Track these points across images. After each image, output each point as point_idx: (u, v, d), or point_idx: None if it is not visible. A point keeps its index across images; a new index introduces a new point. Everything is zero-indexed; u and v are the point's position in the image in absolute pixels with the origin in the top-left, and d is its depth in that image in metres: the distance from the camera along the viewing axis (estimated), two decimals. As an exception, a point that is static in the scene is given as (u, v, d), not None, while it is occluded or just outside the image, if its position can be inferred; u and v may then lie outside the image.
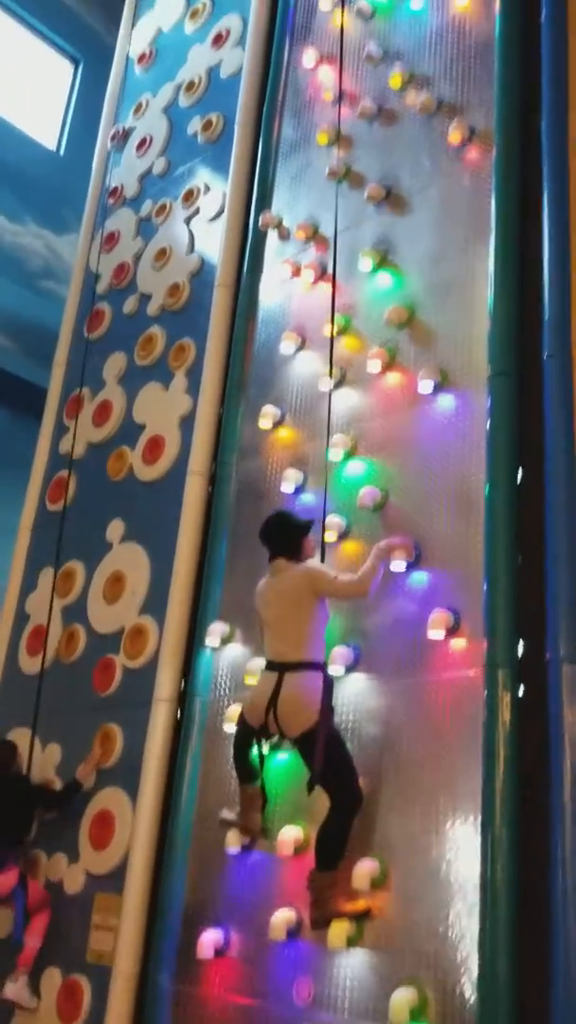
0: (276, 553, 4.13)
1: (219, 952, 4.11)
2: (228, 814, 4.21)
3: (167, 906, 4.41)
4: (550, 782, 3.28)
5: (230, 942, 4.12)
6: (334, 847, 3.69)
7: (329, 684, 3.88)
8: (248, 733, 4.09)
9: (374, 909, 3.64)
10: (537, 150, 4.27)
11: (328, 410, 4.64)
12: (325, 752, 3.71)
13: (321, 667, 3.90)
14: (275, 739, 4.12)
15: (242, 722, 4.10)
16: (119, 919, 4.56)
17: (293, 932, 3.85)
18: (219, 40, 6.94)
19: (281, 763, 4.22)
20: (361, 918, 3.64)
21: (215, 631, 4.75)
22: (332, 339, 4.78)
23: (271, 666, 3.94)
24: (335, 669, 4.07)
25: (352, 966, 3.63)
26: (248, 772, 4.15)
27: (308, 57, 5.95)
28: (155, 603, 5.25)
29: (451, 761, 3.62)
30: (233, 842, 4.20)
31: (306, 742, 3.77)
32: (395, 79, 5.16)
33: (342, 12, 5.79)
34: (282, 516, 4.30)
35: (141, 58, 7.92)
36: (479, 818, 3.41)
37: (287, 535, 4.16)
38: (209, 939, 4.12)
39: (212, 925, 4.19)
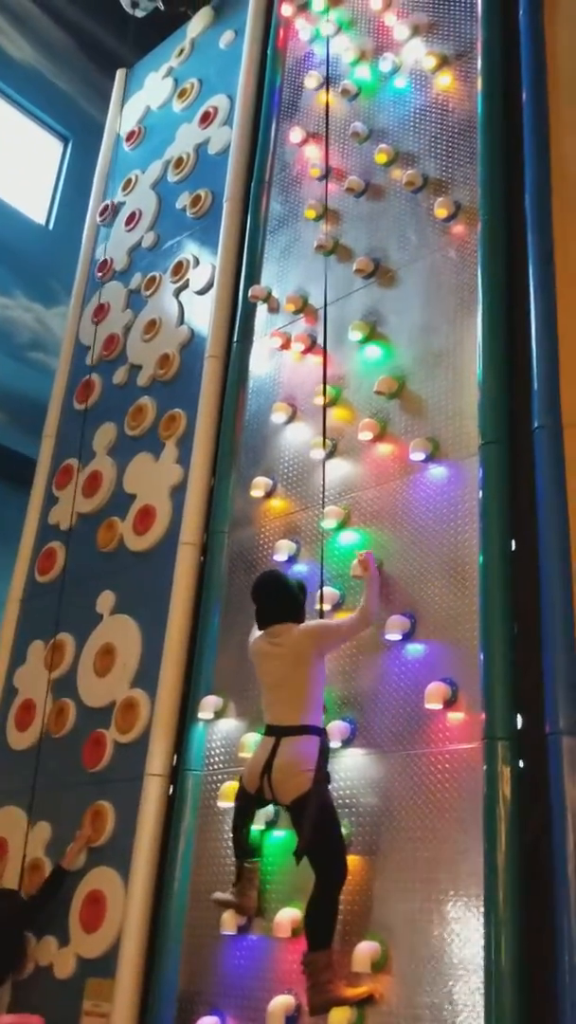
0: (276, 619, 4.07)
1: (215, 1040, 3.97)
2: (222, 895, 4.10)
3: (161, 991, 4.26)
4: (553, 857, 3.22)
5: (227, 1030, 3.98)
6: (324, 924, 3.59)
7: (325, 750, 3.82)
8: (247, 804, 4.01)
9: (376, 993, 3.53)
10: (522, 223, 4.37)
11: (323, 478, 4.67)
12: (316, 822, 3.63)
13: (319, 731, 3.85)
14: (271, 806, 4.03)
15: (241, 789, 4.02)
16: (111, 1005, 4.40)
17: (292, 1019, 3.72)
18: (207, 118, 7.13)
19: (277, 840, 4.13)
20: (363, 1003, 3.53)
21: (208, 704, 4.68)
22: (324, 410, 4.83)
23: (270, 730, 3.90)
24: (331, 743, 4.01)
25: (354, 1055, 3.50)
26: (246, 848, 4.05)
27: (295, 134, 6.11)
28: (146, 676, 5.18)
29: (451, 836, 3.55)
30: (229, 924, 4.09)
31: (299, 809, 3.70)
32: (381, 156, 5.30)
33: (327, 91, 5.97)
34: (279, 579, 4.24)
35: (130, 136, 8.12)
36: (481, 895, 3.34)
37: (290, 600, 4.13)
38: (205, 1026, 3.98)
39: (208, 1011, 4.05)
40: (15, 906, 5.03)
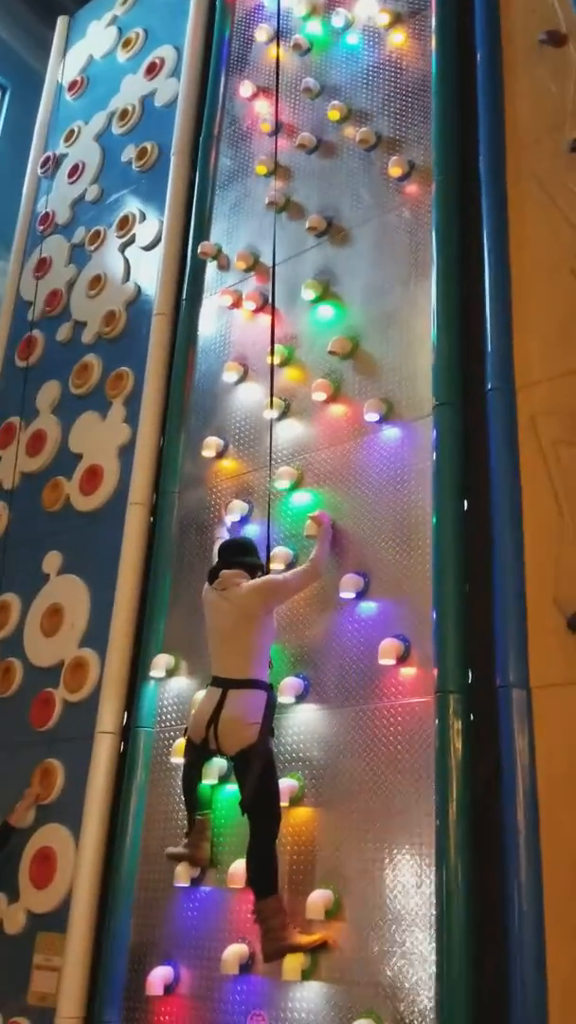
0: (230, 565, 4.13)
1: (169, 989, 4.03)
2: (175, 849, 4.15)
3: (113, 944, 4.31)
4: (503, 805, 3.33)
5: (180, 978, 4.05)
6: (266, 872, 3.69)
7: (272, 704, 3.89)
8: (195, 757, 4.05)
9: (329, 940, 3.62)
10: (476, 184, 4.39)
11: (270, 439, 4.69)
12: (260, 775, 3.70)
13: (265, 686, 3.91)
14: (224, 760, 4.09)
15: (188, 741, 4.05)
16: (63, 959, 4.43)
17: (246, 966, 3.80)
18: (153, 69, 6.96)
19: (229, 795, 4.18)
20: (316, 950, 3.62)
21: (160, 662, 4.69)
22: (272, 369, 4.82)
23: (216, 681, 3.94)
24: (285, 699, 4.06)
25: (307, 999, 3.60)
26: (197, 802, 4.10)
27: (244, 88, 6.01)
28: (96, 636, 5.17)
29: (403, 787, 3.64)
30: (182, 876, 4.14)
31: (242, 761, 3.77)
32: (333, 112, 5.25)
33: (278, 45, 5.88)
34: (246, 541, 4.38)
35: (72, 86, 7.89)
36: (433, 845, 3.43)
37: (252, 557, 4.22)
38: (158, 975, 4.04)
39: (161, 962, 4.11)
40: None
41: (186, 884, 4.14)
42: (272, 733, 3.89)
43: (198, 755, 4.04)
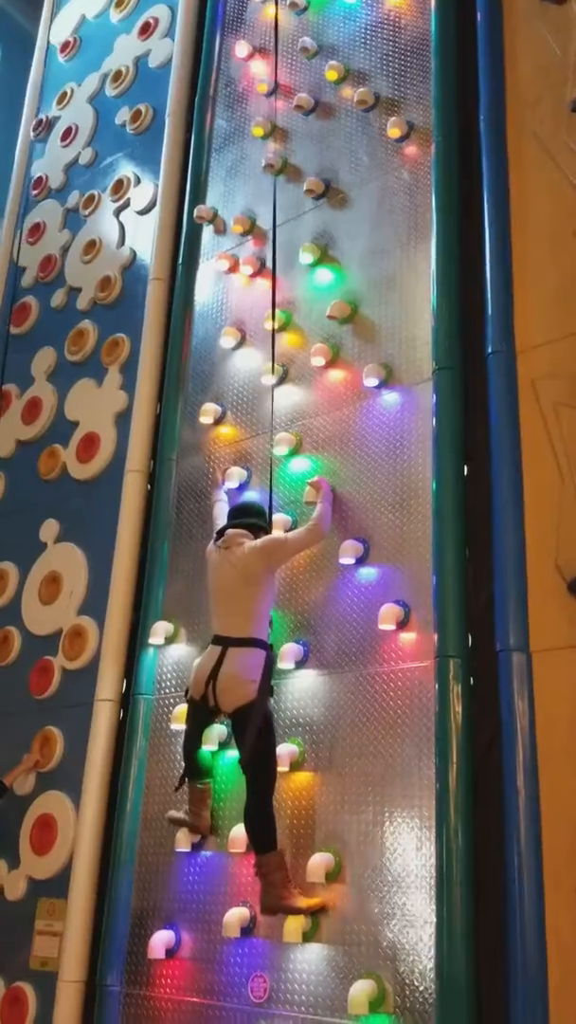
0: (237, 524, 4.16)
1: (170, 952, 4.06)
2: (177, 813, 4.17)
3: (114, 908, 4.34)
4: (503, 768, 3.33)
5: (181, 942, 4.08)
6: (265, 828, 3.73)
7: (271, 663, 3.91)
8: (197, 716, 4.06)
9: (329, 903, 3.65)
10: (476, 145, 4.32)
11: (271, 404, 4.65)
12: (260, 733, 3.74)
13: (265, 645, 3.93)
14: (223, 725, 4.14)
15: (189, 700, 4.06)
16: (64, 924, 4.47)
17: (247, 929, 3.83)
18: (147, 29, 6.84)
19: (230, 761, 4.19)
20: (316, 914, 3.65)
21: (159, 629, 4.68)
22: (273, 335, 4.77)
23: (216, 640, 3.97)
24: (285, 664, 4.06)
25: (309, 960, 3.63)
26: (198, 769, 4.11)
27: (240, 48, 5.91)
28: (94, 603, 5.16)
29: (403, 752, 3.65)
30: (183, 842, 4.16)
31: (240, 718, 3.80)
32: (331, 72, 5.16)
33: (275, 4, 5.76)
34: (261, 505, 4.39)
35: (65, 47, 7.75)
36: (433, 809, 3.44)
37: (259, 519, 4.24)
38: (160, 939, 4.07)
39: (163, 926, 4.15)
40: None
41: (187, 849, 4.16)
42: (271, 692, 3.92)
43: (198, 715, 4.05)
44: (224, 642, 3.92)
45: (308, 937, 3.61)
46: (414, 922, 3.40)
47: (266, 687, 3.84)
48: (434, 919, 3.31)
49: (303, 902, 3.64)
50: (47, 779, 4.97)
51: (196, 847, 4.16)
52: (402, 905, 3.45)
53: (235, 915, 3.83)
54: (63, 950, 4.41)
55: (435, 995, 3.23)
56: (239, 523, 4.17)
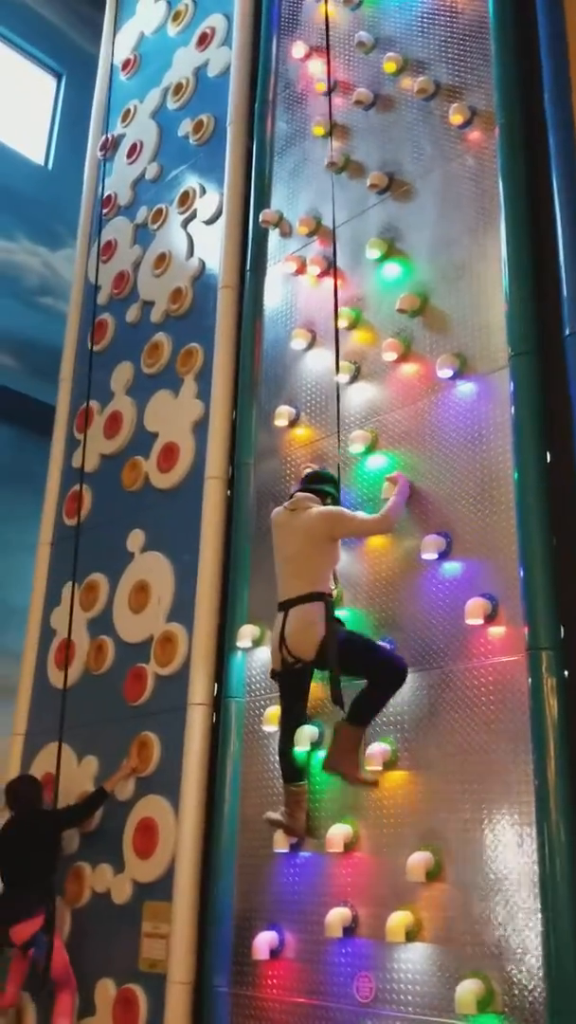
0: (307, 488, 4.27)
1: (274, 953, 4.09)
2: (274, 814, 4.19)
3: (218, 910, 4.39)
4: (603, 763, 3.25)
5: (285, 942, 4.10)
6: (367, 707, 3.86)
7: (331, 605, 3.99)
8: (288, 688, 4.12)
9: (379, 782, 3.86)
10: (541, 126, 4.22)
11: (337, 403, 4.65)
12: (345, 653, 3.85)
13: (323, 596, 4.00)
14: (315, 727, 4.19)
15: (273, 674, 4.12)
16: (170, 926, 4.54)
17: (349, 929, 3.82)
18: (204, 40, 6.90)
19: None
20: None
21: (245, 633, 4.72)
22: (337, 332, 4.78)
23: (280, 606, 4.08)
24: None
25: (413, 960, 3.60)
26: (293, 770, 4.12)
27: (297, 49, 5.91)
28: (182, 609, 5.23)
29: (499, 748, 3.58)
30: (281, 842, 4.18)
31: (322, 658, 3.90)
32: (389, 64, 5.12)
33: (327, 2, 5.76)
34: (333, 475, 4.47)
35: (125, 65, 7.89)
36: (533, 805, 3.37)
37: (329, 486, 4.33)
38: (264, 940, 4.09)
39: (265, 926, 4.17)
40: (50, 814, 5.20)
41: (285, 850, 4.18)
42: (339, 622, 4.03)
43: (290, 687, 4.12)
44: (286, 605, 4.05)
45: (411, 936, 3.58)
46: (519, 920, 3.34)
47: (331, 624, 3.91)
48: (540, 917, 3.24)
49: (356, 775, 3.85)
50: (146, 784, 5.05)
51: (294, 848, 4.17)
52: (506, 903, 3.40)
53: (337, 915, 3.83)
54: (170, 952, 4.48)
55: (545, 994, 3.16)
56: (309, 488, 4.27)
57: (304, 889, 4.11)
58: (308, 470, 4.54)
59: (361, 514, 4.19)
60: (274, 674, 4.13)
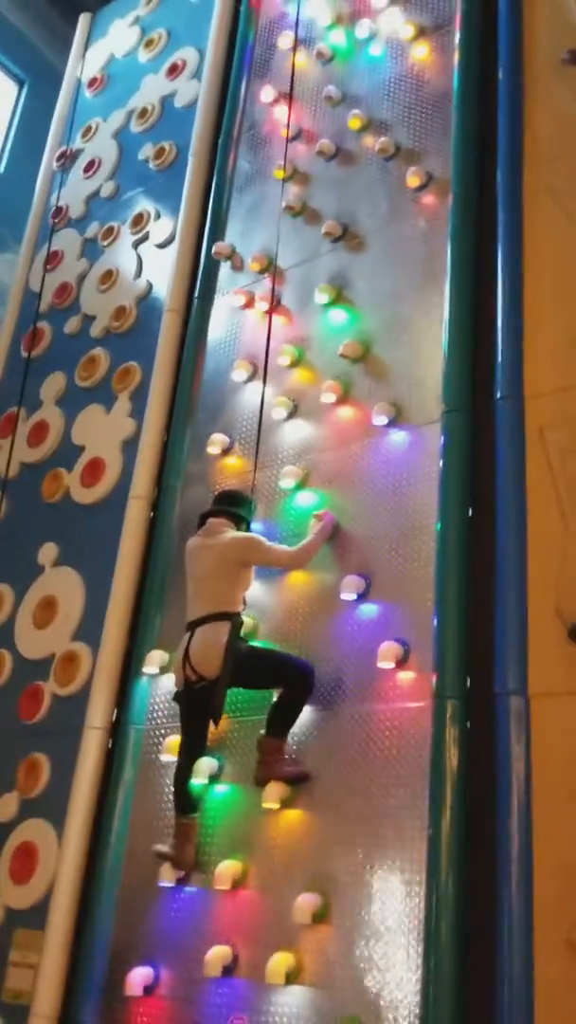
0: (218, 513, 4.30)
1: (148, 990, 3.97)
2: (162, 847, 4.11)
3: (92, 942, 4.25)
4: (497, 814, 3.30)
5: (160, 979, 3.99)
6: (284, 719, 3.92)
7: (237, 625, 4.01)
8: (188, 710, 4.10)
9: (311, 775, 3.83)
10: (492, 198, 4.40)
11: (258, 432, 4.78)
12: (252, 667, 3.97)
13: (229, 616, 4.03)
14: (215, 759, 4.17)
15: (177, 696, 4.13)
16: (40, 956, 4.37)
17: (229, 968, 3.75)
18: (174, 70, 6.99)
19: (219, 795, 4.14)
20: (298, 782, 3.83)
21: (153, 659, 4.65)
22: (266, 360, 4.92)
23: (188, 627, 4.10)
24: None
25: (290, 1003, 3.55)
26: (187, 802, 4.06)
27: (266, 93, 6.04)
28: (89, 629, 5.12)
29: (396, 793, 3.60)
30: (167, 876, 4.09)
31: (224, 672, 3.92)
32: (354, 121, 5.28)
33: (300, 53, 5.92)
34: (237, 492, 4.52)
35: (92, 82, 7.91)
36: (424, 852, 3.40)
37: (242, 508, 4.37)
38: (138, 976, 3.98)
39: (141, 962, 4.05)
40: None
41: (171, 884, 4.09)
42: (244, 641, 4.06)
43: (188, 705, 4.08)
44: (192, 625, 4.07)
45: (291, 979, 3.53)
46: (400, 967, 3.34)
47: (234, 640, 3.94)
48: (421, 966, 3.25)
49: (288, 768, 3.86)
50: (31, 807, 4.88)
51: (180, 882, 4.09)
52: (389, 950, 3.39)
53: (217, 953, 3.75)
54: (37, 983, 4.30)
55: (419, 1044, 3.16)
56: (222, 511, 4.30)
57: (186, 925, 4.02)
58: (222, 489, 4.58)
59: (276, 546, 4.23)
60: (177, 696, 4.11)
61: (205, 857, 4.06)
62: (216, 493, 4.55)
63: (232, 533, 4.21)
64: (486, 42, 4.91)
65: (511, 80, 4.65)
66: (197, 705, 4.06)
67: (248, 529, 4.37)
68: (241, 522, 4.33)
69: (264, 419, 4.89)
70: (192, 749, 4.12)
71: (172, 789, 4.15)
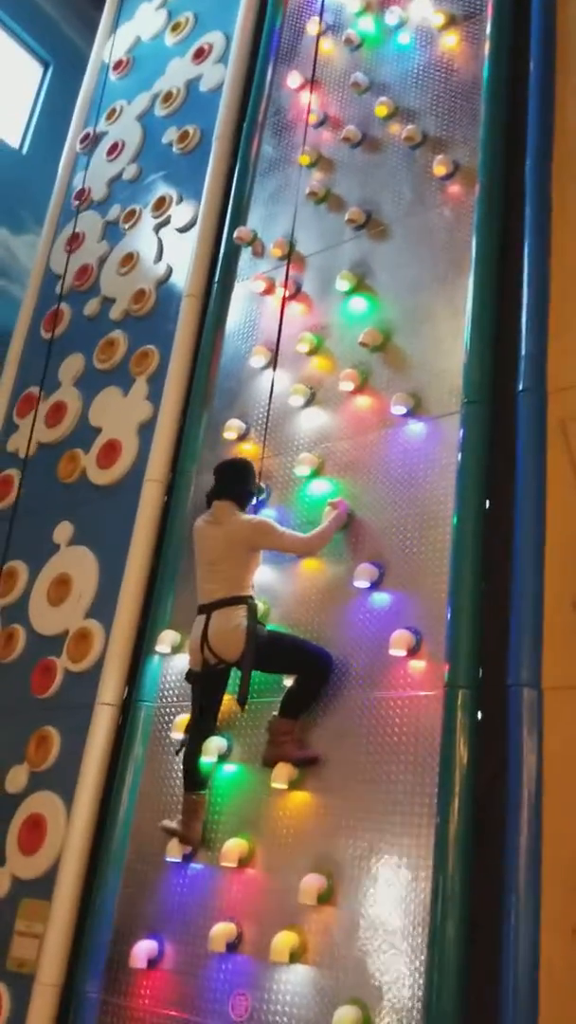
0: (222, 495, 4.29)
1: (152, 963, 4.03)
2: (170, 823, 4.15)
3: (98, 914, 4.30)
4: (505, 807, 3.32)
5: (164, 953, 4.04)
6: (298, 701, 3.97)
7: (253, 608, 4.06)
8: (203, 689, 4.13)
9: (320, 758, 3.86)
10: (519, 189, 4.39)
11: (267, 417, 4.81)
12: (273, 651, 3.98)
13: (245, 599, 4.08)
14: (223, 739, 4.21)
15: (190, 674, 4.16)
16: (45, 926, 4.43)
17: (232, 945, 3.80)
18: (200, 55, 6.98)
19: (228, 775, 4.18)
20: (306, 765, 3.86)
21: (166, 638, 4.69)
22: (274, 358, 4.92)
23: (201, 609, 4.14)
24: (291, 682, 4.07)
25: (293, 982, 3.59)
26: (196, 779, 4.11)
27: (292, 79, 6.03)
28: (102, 608, 5.17)
29: (405, 780, 3.63)
30: (174, 851, 4.14)
31: (244, 660, 3.97)
32: (380, 109, 5.27)
33: (328, 39, 5.90)
34: (239, 464, 4.46)
35: (117, 65, 7.90)
36: (432, 839, 3.42)
37: (243, 483, 4.35)
38: (142, 949, 4.03)
39: (146, 935, 4.11)
40: None
41: (177, 859, 4.13)
42: (261, 626, 4.08)
43: (204, 686, 4.13)
44: (208, 608, 4.10)
45: (295, 958, 3.58)
46: (405, 952, 3.37)
47: (253, 624, 3.99)
48: (426, 951, 3.29)
49: (298, 752, 3.89)
50: (40, 779, 4.94)
51: (187, 858, 4.14)
52: (394, 934, 3.43)
53: (221, 930, 3.80)
54: (42, 953, 4.37)
55: (420, 1026, 3.20)
56: (226, 492, 4.29)
57: (191, 901, 4.07)
58: (221, 463, 4.53)
59: (288, 531, 4.24)
60: (190, 675, 4.15)
61: (212, 835, 4.10)
62: (216, 467, 4.48)
63: (242, 517, 4.21)
64: (517, 32, 4.89)
65: (541, 71, 4.62)
66: (212, 686, 4.11)
67: (254, 501, 4.39)
68: (247, 498, 4.34)
69: (281, 406, 4.90)
70: (203, 729, 4.15)
71: (181, 766, 4.19)
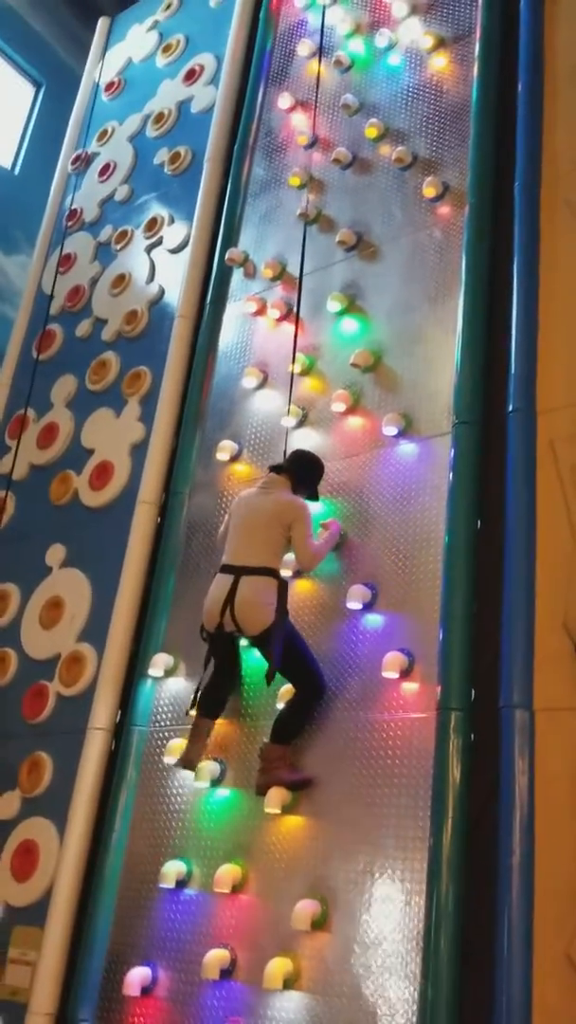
0: (284, 471, 4.28)
1: (146, 990, 3.98)
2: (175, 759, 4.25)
3: (92, 941, 4.26)
4: (498, 829, 3.30)
5: (158, 980, 4.00)
6: (291, 725, 3.92)
7: (284, 588, 4.00)
8: (216, 649, 4.15)
9: (313, 780, 3.83)
10: (509, 210, 4.41)
11: (285, 445, 4.72)
12: (285, 648, 3.90)
13: (278, 575, 4.04)
14: (215, 764, 4.18)
15: (203, 631, 4.14)
16: (38, 953, 4.38)
17: (226, 972, 3.76)
18: (191, 76, 7.02)
19: (221, 800, 4.16)
20: (300, 788, 3.82)
21: (159, 661, 4.67)
22: (292, 376, 4.86)
23: (227, 569, 4.07)
24: (283, 705, 4.05)
25: (287, 1009, 3.56)
26: (210, 708, 4.18)
27: (283, 100, 6.06)
28: (95, 631, 5.15)
29: (398, 803, 3.61)
30: (167, 878, 4.10)
31: (266, 638, 3.94)
32: (371, 130, 5.30)
33: (319, 61, 5.95)
34: (320, 464, 4.42)
35: (109, 86, 7.95)
36: (425, 863, 3.40)
37: (309, 473, 4.35)
38: (136, 976, 3.99)
39: (140, 962, 4.07)
40: None
41: (171, 886, 4.10)
42: (287, 613, 4.00)
43: (217, 649, 4.15)
44: (237, 570, 4.03)
45: (289, 984, 3.54)
46: (397, 977, 3.35)
47: (283, 609, 3.94)
48: (419, 977, 3.26)
49: (290, 775, 3.85)
50: (33, 804, 4.91)
51: (180, 884, 4.10)
52: (387, 960, 3.40)
53: (215, 956, 3.76)
54: (35, 981, 4.32)
55: (415, 1054, 3.16)
56: (288, 472, 4.29)
57: (185, 927, 4.03)
58: (298, 449, 4.52)
59: (310, 535, 4.15)
60: (205, 635, 4.14)
61: (205, 860, 4.07)
62: (293, 451, 4.50)
63: (288, 495, 4.20)
64: (506, 54, 4.93)
65: (530, 92, 4.65)
66: (229, 649, 4.18)
67: (303, 497, 4.31)
68: (304, 490, 4.31)
69: (273, 426, 4.90)
70: (226, 672, 4.21)
71: (194, 697, 4.21)
